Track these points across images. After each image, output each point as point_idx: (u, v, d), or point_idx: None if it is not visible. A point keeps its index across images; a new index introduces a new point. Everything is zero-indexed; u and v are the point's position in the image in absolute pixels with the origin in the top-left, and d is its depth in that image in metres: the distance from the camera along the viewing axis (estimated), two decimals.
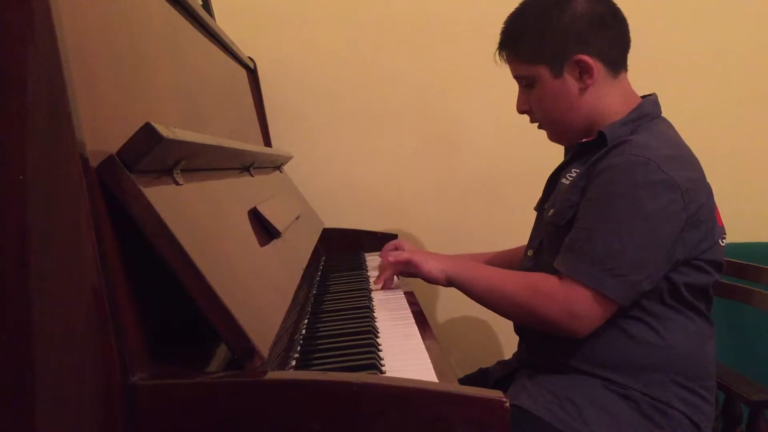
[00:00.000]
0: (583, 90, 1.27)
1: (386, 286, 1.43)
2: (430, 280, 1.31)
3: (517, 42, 1.30)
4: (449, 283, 1.30)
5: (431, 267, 1.30)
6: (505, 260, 1.62)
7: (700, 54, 2.14)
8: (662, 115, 1.32)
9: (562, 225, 1.25)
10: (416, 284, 1.49)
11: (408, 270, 1.35)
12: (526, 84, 1.32)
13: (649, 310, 1.20)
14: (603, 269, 1.14)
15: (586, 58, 1.24)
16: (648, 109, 1.28)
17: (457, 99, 2.13)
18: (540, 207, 1.44)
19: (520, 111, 1.36)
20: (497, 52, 1.34)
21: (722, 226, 1.27)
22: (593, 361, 1.22)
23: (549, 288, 1.20)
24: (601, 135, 1.24)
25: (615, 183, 1.17)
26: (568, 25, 1.25)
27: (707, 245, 1.20)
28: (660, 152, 1.17)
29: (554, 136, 1.37)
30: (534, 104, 1.33)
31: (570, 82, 1.27)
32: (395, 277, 1.48)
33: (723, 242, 1.26)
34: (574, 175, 1.29)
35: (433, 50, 2.11)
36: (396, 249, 1.59)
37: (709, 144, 2.04)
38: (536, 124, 1.38)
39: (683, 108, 2.01)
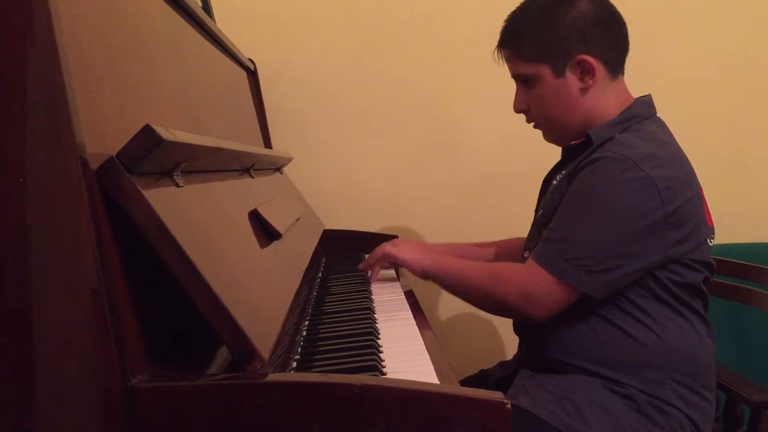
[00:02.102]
0: (583, 90, 1.27)
1: (372, 278, 1.53)
2: (410, 270, 1.41)
3: (519, 40, 1.30)
4: (425, 277, 1.38)
5: (407, 257, 1.40)
6: (504, 249, 1.65)
7: (700, 55, 2.14)
8: (658, 115, 1.32)
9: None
10: (416, 285, 1.49)
11: (389, 261, 1.47)
12: (525, 83, 1.32)
13: (645, 308, 1.21)
14: (566, 259, 1.17)
15: (588, 58, 1.25)
16: (638, 110, 1.28)
17: (458, 100, 2.13)
18: (536, 208, 1.45)
19: (518, 110, 1.36)
20: (497, 49, 1.34)
21: (712, 226, 1.27)
22: (592, 359, 1.22)
23: (507, 272, 1.26)
24: (588, 137, 1.26)
25: (590, 178, 1.19)
26: (572, 24, 1.25)
27: (692, 245, 1.20)
28: (639, 150, 1.18)
29: (550, 137, 1.38)
30: (533, 103, 1.33)
31: (571, 82, 1.27)
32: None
33: (711, 242, 1.26)
34: (562, 174, 1.31)
35: (433, 51, 2.11)
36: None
37: (709, 146, 2.06)
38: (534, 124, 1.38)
39: (684, 110, 2.03)
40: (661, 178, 1.15)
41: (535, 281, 1.19)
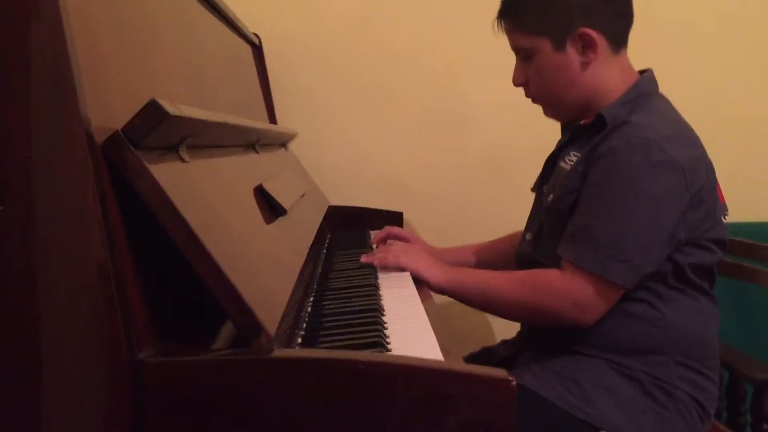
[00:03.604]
0: (585, 65, 1.25)
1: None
2: (425, 284, 1.29)
3: (519, 12, 1.26)
4: (442, 293, 1.29)
5: (423, 272, 1.29)
6: (499, 249, 1.60)
7: (708, 31, 2.12)
8: (666, 92, 1.30)
9: (564, 211, 1.23)
10: None
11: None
12: (525, 56, 1.29)
13: (654, 290, 1.20)
14: (608, 255, 1.14)
15: (590, 31, 1.22)
16: (645, 87, 1.26)
17: (464, 77, 2.11)
18: (539, 189, 1.42)
19: (516, 83, 1.32)
20: (496, 20, 1.31)
21: (724, 203, 1.26)
22: (596, 344, 1.21)
23: (549, 282, 1.20)
24: (600, 117, 1.23)
25: (616, 166, 1.16)
26: (556, 3, 1.22)
27: (709, 224, 1.20)
28: (660, 132, 1.15)
29: (549, 111, 1.35)
30: (532, 77, 1.29)
31: (572, 56, 1.24)
32: None
33: (725, 219, 1.25)
34: (573, 159, 1.27)
35: (440, 26, 2.09)
36: (391, 237, 1.55)
37: (717, 123, 2.03)
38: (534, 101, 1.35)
39: (693, 87, 2.01)
40: (684, 159, 1.14)
41: (581, 287, 1.15)
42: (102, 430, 0.66)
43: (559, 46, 1.24)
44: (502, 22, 1.30)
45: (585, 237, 1.17)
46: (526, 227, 1.42)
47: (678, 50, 2.08)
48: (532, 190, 1.46)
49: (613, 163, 1.16)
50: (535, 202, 1.44)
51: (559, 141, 1.40)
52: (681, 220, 1.15)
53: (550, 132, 1.50)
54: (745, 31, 2.12)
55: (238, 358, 0.69)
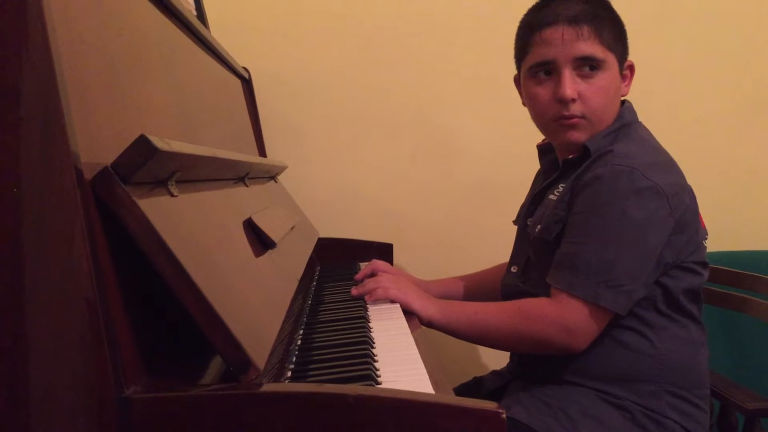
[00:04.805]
0: (622, 96, 1.30)
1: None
2: (416, 315, 1.28)
3: (603, 24, 1.23)
4: (430, 326, 1.28)
5: (414, 304, 1.28)
6: (485, 281, 1.61)
7: (697, 62, 2.15)
8: (651, 124, 1.33)
9: (550, 240, 1.24)
10: None
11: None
12: (589, 68, 1.23)
13: (643, 319, 1.21)
14: (598, 281, 1.14)
15: (633, 65, 1.29)
16: (627, 118, 1.29)
17: (452, 108, 2.13)
18: (523, 222, 1.43)
19: (572, 96, 1.22)
20: (566, 24, 1.22)
21: (705, 228, 1.28)
22: (585, 373, 1.22)
23: (539, 309, 1.19)
24: (585, 149, 1.25)
25: (601, 194, 1.17)
26: (624, 30, 1.28)
27: (693, 247, 1.22)
28: (643, 159, 1.17)
29: (582, 135, 1.25)
30: (590, 93, 1.23)
31: (620, 82, 1.29)
32: None
33: (705, 243, 1.28)
34: (560, 189, 1.29)
35: (427, 60, 2.11)
36: (375, 273, 1.53)
37: (704, 152, 2.06)
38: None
39: (681, 114, 2.04)
40: (667, 185, 1.16)
41: (571, 313, 1.15)
42: None
43: (620, 68, 1.28)
44: (582, 27, 1.22)
45: (574, 264, 1.17)
46: (511, 260, 1.43)
47: (666, 82, 2.11)
48: (515, 222, 1.47)
49: (599, 191, 1.17)
50: (518, 236, 1.45)
51: (540, 170, 1.41)
52: (667, 244, 1.16)
53: (537, 162, 1.51)
54: (729, 63, 2.15)
55: (226, 394, 0.68)
